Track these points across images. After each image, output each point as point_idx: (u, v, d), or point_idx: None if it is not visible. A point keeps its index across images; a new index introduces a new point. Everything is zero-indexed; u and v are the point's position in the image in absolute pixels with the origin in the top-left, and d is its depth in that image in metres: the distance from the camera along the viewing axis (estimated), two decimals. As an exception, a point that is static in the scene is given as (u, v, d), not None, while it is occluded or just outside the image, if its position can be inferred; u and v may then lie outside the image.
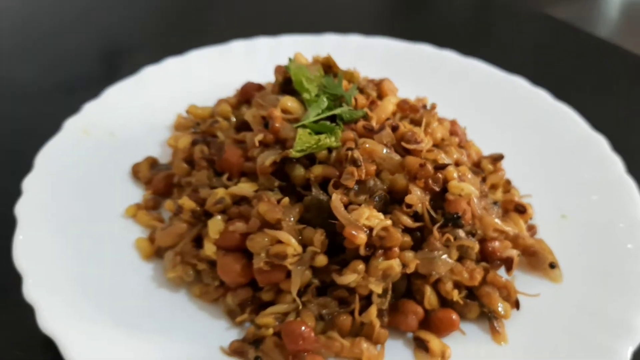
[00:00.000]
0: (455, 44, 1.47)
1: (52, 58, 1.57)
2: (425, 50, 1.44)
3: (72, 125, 1.15)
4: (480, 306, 0.89)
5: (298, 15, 1.82)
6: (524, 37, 1.83)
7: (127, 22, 1.78)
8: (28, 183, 1.01)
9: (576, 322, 0.87)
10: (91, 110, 1.20)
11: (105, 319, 0.85)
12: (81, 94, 1.24)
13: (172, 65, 1.35)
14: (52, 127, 1.14)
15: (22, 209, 0.97)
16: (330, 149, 0.92)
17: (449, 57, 1.42)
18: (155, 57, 1.36)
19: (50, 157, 1.08)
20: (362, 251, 0.84)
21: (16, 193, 0.99)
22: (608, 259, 0.95)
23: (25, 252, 0.90)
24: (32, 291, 0.85)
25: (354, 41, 1.46)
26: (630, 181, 1.07)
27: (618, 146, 1.15)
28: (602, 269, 0.94)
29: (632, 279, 0.91)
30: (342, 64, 1.11)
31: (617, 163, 1.11)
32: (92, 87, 1.26)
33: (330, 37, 1.46)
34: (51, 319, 0.82)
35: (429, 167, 0.89)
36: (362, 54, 1.40)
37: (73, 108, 1.19)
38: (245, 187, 0.93)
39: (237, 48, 1.42)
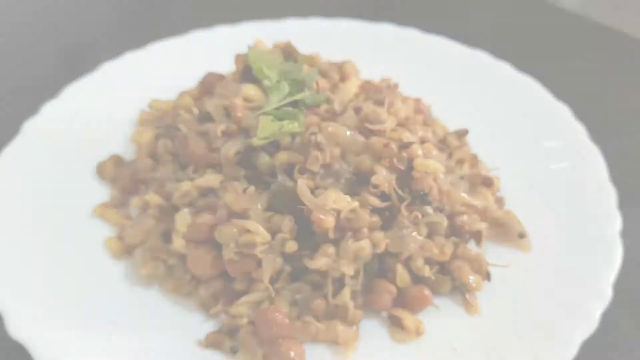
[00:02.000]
0: (416, 20, 1.46)
1: (1, 59, 1.51)
2: (387, 30, 1.43)
3: (31, 127, 1.12)
4: (452, 280, 0.90)
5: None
6: (485, 11, 1.83)
7: (80, 17, 1.72)
8: (-11, 189, 0.99)
9: (547, 289, 0.89)
10: (50, 110, 1.17)
11: (79, 321, 0.85)
12: (38, 94, 1.21)
13: (131, 60, 1.32)
14: (10, 131, 1.11)
15: (-15, 215, 0.95)
16: (294, 135, 0.92)
17: (412, 35, 1.41)
18: (114, 51, 1.33)
19: (11, 160, 1.05)
20: (331, 234, 0.84)
21: (-23, 200, 0.97)
22: (576, 225, 0.97)
23: (-11, 259, 0.89)
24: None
25: (316, 24, 1.44)
26: (594, 148, 1.09)
27: (580, 114, 1.16)
28: (571, 235, 0.96)
29: (600, 243, 0.93)
30: (305, 48, 1.09)
31: (580, 131, 1.12)
32: (50, 87, 1.22)
33: (292, 21, 1.44)
34: (21, 325, 0.81)
35: (393, 146, 0.89)
36: (324, 37, 1.38)
37: (31, 109, 1.16)
38: (211, 179, 0.92)
39: (198, 38, 1.39)
